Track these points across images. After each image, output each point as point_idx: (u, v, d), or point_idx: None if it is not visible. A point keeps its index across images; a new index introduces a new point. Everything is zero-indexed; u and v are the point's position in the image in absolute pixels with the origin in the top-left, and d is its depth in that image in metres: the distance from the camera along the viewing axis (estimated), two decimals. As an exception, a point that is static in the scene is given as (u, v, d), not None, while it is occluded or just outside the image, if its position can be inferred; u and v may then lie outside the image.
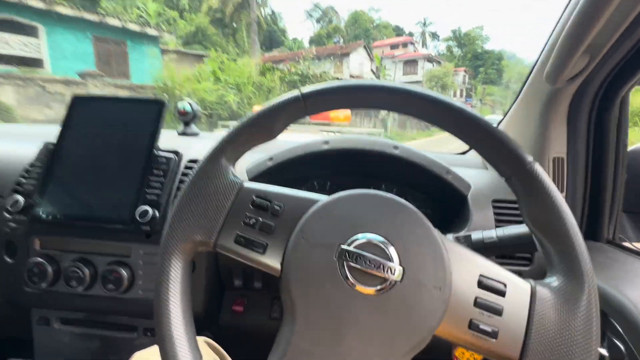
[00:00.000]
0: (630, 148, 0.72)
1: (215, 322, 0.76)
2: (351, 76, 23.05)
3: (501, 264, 0.68)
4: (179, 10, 19.81)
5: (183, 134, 0.98)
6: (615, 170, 0.69)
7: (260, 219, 0.37)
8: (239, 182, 0.39)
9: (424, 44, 45.59)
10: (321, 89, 0.38)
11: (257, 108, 0.42)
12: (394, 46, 36.52)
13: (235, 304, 0.74)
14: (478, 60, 42.39)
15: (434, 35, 48.54)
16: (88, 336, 0.72)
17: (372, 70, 24.91)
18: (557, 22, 0.60)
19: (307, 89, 0.39)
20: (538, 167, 0.36)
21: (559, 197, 0.36)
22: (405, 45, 37.47)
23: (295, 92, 0.38)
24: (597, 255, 0.66)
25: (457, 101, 0.39)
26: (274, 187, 0.40)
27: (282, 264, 0.36)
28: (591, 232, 0.72)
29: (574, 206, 0.71)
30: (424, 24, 47.82)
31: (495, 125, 0.37)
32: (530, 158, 0.36)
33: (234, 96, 9.80)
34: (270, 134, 0.40)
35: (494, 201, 0.70)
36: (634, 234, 0.76)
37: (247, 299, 0.75)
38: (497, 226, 0.67)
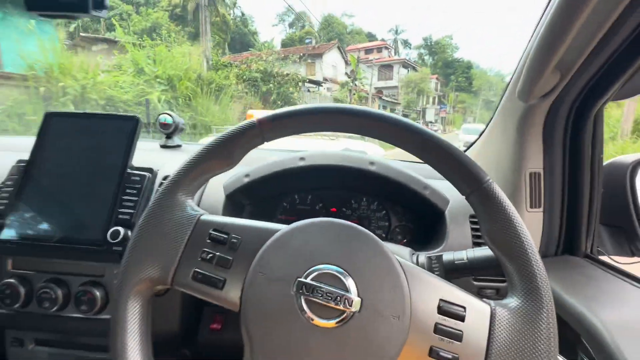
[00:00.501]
0: (606, 162, 0.72)
1: (194, 339, 0.75)
2: (325, 78, 21.45)
3: (479, 280, 0.68)
4: (133, 4, 18.06)
5: (165, 146, 0.98)
6: (592, 184, 0.69)
7: (218, 253, 0.37)
8: (196, 215, 0.39)
9: (396, 52, 45.85)
10: (277, 114, 0.38)
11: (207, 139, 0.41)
12: (368, 50, 35.87)
13: (214, 322, 0.74)
14: (449, 68, 43.74)
15: (406, 43, 49.10)
16: (62, 357, 0.71)
17: (346, 74, 22.77)
18: (529, 41, 0.60)
19: (264, 115, 0.38)
20: (495, 186, 0.36)
21: (515, 215, 0.36)
22: (380, 50, 36.94)
23: (251, 120, 0.38)
24: (574, 272, 0.66)
25: (414, 122, 0.39)
26: (232, 219, 0.39)
27: (240, 299, 0.35)
28: (569, 247, 0.72)
29: (552, 220, 0.71)
30: (396, 32, 48.05)
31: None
32: (487, 177, 0.36)
33: (160, 93, 7.20)
34: (229, 163, 0.40)
35: (472, 217, 0.69)
36: (612, 246, 0.76)
37: (225, 316, 0.75)
38: (474, 242, 0.67)
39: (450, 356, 0.33)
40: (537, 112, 0.64)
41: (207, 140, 0.40)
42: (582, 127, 0.65)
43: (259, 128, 0.38)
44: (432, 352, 0.33)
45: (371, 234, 0.37)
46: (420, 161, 0.40)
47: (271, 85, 11.36)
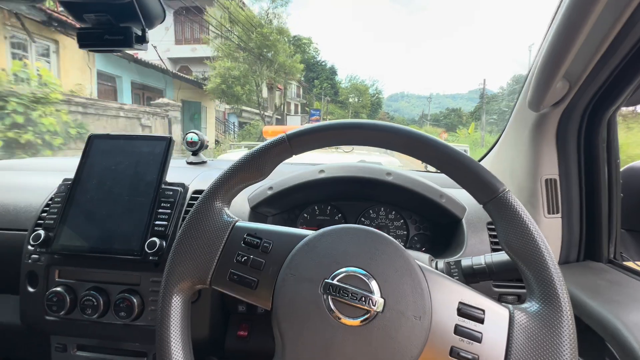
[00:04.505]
0: (624, 167, 0.72)
1: (221, 346, 0.78)
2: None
3: (501, 286, 0.69)
4: None
5: (191, 163, 1.04)
6: (610, 189, 0.69)
7: (252, 256, 0.41)
8: (232, 222, 0.43)
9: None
10: (304, 130, 0.42)
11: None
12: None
13: (240, 329, 0.77)
14: (311, 72, 36.37)
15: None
16: None
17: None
18: (537, 52, 0.62)
19: (292, 131, 0.43)
20: (510, 195, 0.38)
21: (531, 222, 0.38)
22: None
23: (280, 135, 0.42)
24: (597, 277, 0.66)
25: (434, 136, 0.42)
26: (264, 225, 0.43)
27: (272, 298, 0.39)
28: (591, 252, 0.72)
29: (571, 226, 0.71)
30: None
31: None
32: (503, 186, 0.38)
33: None
34: (261, 174, 0.44)
35: (489, 224, 0.71)
36: (636, 252, 0.75)
37: (251, 323, 0.78)
38: (492, 249, 0.68)
39: (470, 356, 0.35)
40: (549, 120, 0.65)
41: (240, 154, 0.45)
42: (595, 133, 0.66)
43: (288, 142, 0.42)
44: (452, 352, 0.35)
45: (392, 239, 0.40)
46: (437, 171, 0.42)
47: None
